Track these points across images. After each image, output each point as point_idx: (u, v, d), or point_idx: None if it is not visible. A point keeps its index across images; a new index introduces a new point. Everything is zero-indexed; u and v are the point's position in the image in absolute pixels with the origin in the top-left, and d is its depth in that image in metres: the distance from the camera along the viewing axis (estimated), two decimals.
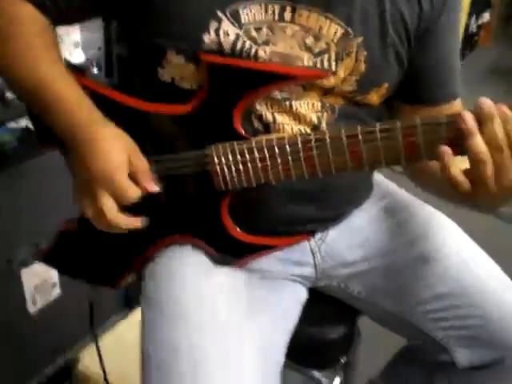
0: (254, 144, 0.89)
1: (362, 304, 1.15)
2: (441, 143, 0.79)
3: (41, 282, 1.62)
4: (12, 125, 1.45)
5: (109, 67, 1.67)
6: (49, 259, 1.12)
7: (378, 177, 1.21)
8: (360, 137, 0.83)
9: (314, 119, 0.95)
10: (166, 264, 1.01)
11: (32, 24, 0.92)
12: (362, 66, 0.94)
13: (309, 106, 0.95)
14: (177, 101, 0.93)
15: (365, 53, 0.93)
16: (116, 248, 1.05)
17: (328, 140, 0.85)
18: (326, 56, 0.92)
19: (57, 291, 1.68)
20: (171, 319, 0.93)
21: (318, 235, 1.09)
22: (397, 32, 0.95)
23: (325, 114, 0.96)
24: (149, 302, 0.98)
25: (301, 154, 0.87)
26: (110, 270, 1.09)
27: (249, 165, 0.90)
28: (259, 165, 0.89)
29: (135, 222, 0.91)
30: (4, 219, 1.42)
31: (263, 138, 0.89)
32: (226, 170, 0.92)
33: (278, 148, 0.88)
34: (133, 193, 0.88)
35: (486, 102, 0.77)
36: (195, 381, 0.87)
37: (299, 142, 0.86)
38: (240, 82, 0.88)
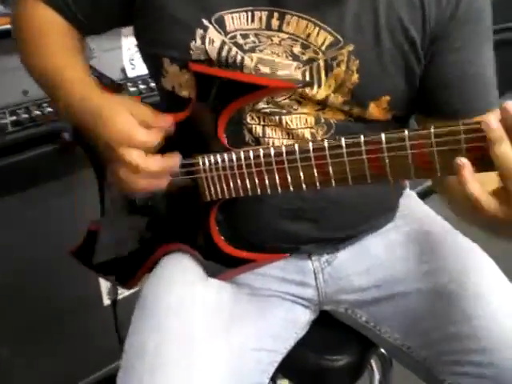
0: (235, 155, 0.89)
1: (371, 334, 1.08)
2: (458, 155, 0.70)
3: None
4: None
5: None
6: (78, 254, 1.19)
7: (409, 199, 1.14)
8: (344, 150, 0.78)
9: (307, 135, 0.93)
10: (161, 269, 1.02)
11: (54, 25, 0.99)
12: (355, 76, 0.90)
13: (301, 121, 0.93)
14: (179, 109, 0.95)
15: (357, 62, 0.89)
16: (129, 249, 1.09)
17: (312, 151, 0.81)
18: (315, 64, 0.89)
19: None
20: (147, 322, 0.94)
21: (325, 257, 1.05)
22: (395, 40, 0.89)
23: (319, 129, 0.93)
24: (137, 302, 1.00)
25: (284, 166, 0.84)
26: (122, 269, 1.13)
27: (231, 175, 0.90)
28: (240, 175, 0.89)
29: (168, 161, 0.90)
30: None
31: (244, 149, 0.88)
32: (211, 180, 0.92)
33: (258, 158, 0.87)
34: (151, 136, 0.88)
35: None
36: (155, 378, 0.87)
37: (272, 154, 0.85)
38: (221, 92, 0.88)
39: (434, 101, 0.94)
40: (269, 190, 0.87)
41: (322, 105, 0.92)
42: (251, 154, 0.87)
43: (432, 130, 0.72)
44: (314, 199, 0.95)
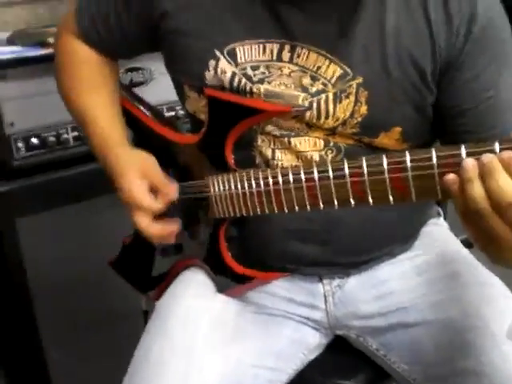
0: (240, 176, 0.92)
1: (382, 363, 1.07)
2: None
3: None
4: None
5: None
6: (115, 266, 1.26)
7: (434, 228, 1.12)
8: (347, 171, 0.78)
9: (316, 157, 0.95)
10: (177, 283, 1.08)
11: (86, 64, 1.08)
12: (364, 108, 0.91)
13: (310, 144, 0.95)
14: (199, 131, 1.01)
15: (366, 93, 0.90)
16: (154, 262, 1.16)
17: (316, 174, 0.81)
18: (324, 96, 0.91)
19: None
20: (154, 331, 1.00)
21: (336, 281, 1.06)
22: (404, 70, 0.89)
23: (329, 152, 0.95)
24: (153, 313, 1.06)
25: (289, 185, 0.85)
26: (148, 281, 1.19)
27: (235, 195, 0.93)
28: (243, 196, 0.92)
29: (168, 227, 0.98)
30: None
31: (248, 171, 0.92)
32: (218, 198, 0.97)
33: (261, 181, 0.90)
34: (154, 204, 0.96)
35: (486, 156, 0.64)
36: None
37: (279, 175, 0.87)
38: (227, 115, 0.93)
39: (450, 129, 0.94)
40: (274, 211, 0.88)
41: (331, 132, 0.94)
42: (253, 176, 0.90)
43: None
44: (321, 221, 0.97)
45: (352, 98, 0.90)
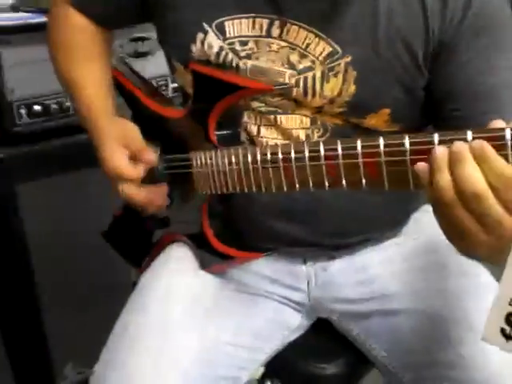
0: (221, 153, 0.91)
1: (363, 348, 1.06)
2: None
3: None
4: None
5: None
6: (107, 237, 1.26)
7: (422, 214, 1.09)
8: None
9: (302, 136, 0.93)
10: (161, 257, 1.07)
11: (80, 34, 1.07)
12: (352, 88, 0.88)
13: (296, 122, 0.93)
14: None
15: (354, 73, 0.88)
16: (142, 235, 1.16)
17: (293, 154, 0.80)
18: (311, 74, 0.89)
19: None
20: (134, 305, 1.00)
21: (320, 264, 1.04)
22: (394, 52, 0.86)
23: (315, 131, 0.93)
24: (136, 285, 1.06)
25: (267, 165, 0.83)
26: (136, 253, 1.19)
27: (216, 172, 0.92)
28: (224, 173, 0.91)
29: (152, 194, 1.00)
30: None
31: (236, 147, 0.90)
32: (201, 175, 0.96)
33: (241, 159, 0.88)
34: (134, 171, 0.97)
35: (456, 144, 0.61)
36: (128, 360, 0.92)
37: (258, 154, 0.85)
38: (211, 91, 0.91)
39: (441, 114, 0.90)
40: (253, 189, 0.87)
41: (318, 110, 0.92)
42: (234, 153, 0.88)
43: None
44: (306, 201, 0.95)
45: (340, 76, 0.88)
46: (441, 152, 0.62)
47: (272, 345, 1.05)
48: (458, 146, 0.61)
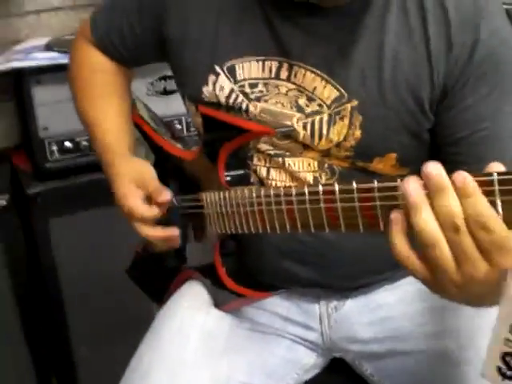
0: (232, 194, 0.92)
1: None
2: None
3: None
4: None
5: None
6: (130, 274, 1.29)
7: None
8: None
9: (310, 179, 0.93)
10: (177, 294, 1.09)
11: (99, 72, 1.10)
12: (358, 132, 0.88)
13: (304, 165, 0.93)
14: None
15: (360, 117, 0.87)
16: (160, 273, 1.17)
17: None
18: (318, 118, 0.89)
19: None
20: (148, 340, 1.02)
21: (334, 303, 1.04)
22: (400, 96, 0.86)
23: (323, 174, 0.93)
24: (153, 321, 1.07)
25: (281, 206, 0.83)
26: (156, 290, 1.20)
27: (226, 213, 0.93)
28: (232, 214, 0.92)
29: (166, 232, 0.99)
30: None
31: (242, 188, 0.91)
32: (212, 215, 0.97)
33: (247, 200, 0.89)
34: (149, 211, 0.97)
35: (434, 171, 0.60)
36: None
37: (272, 195, 0.85)
38: (219, 133, 0.93)
39: (444, 157, 0.88)
40: (259, 230, 0.86)
41: (325, 154, 0.92)
42: (240, 195, 0.89)
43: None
44: (314, 244, 0.95)
45: (346, 120, 0.88)
46: (415, 187, 0.60)
47: (284, 383, 1.04)
48: (439, 177, 0.59)
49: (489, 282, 0.60)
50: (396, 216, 0.63)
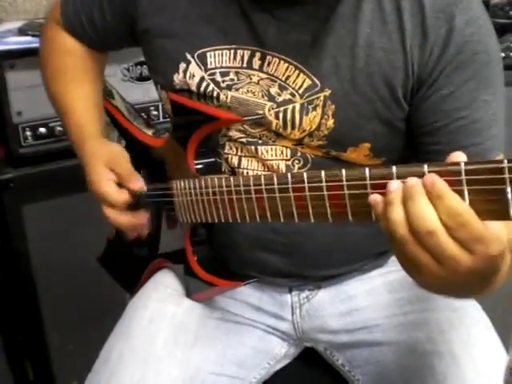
0: (202, 182, 0.90)
1: (348, 379, 1.04)
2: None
3: None
4: None
5: None
6: (102, 262, 1.27)
7: None
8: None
9: (283, 167, 0.92)
10: (148, 284, 1.08)
11: (70, 56, 1.08)
12: (330, 122, 0.87)
13: (276, 153, 0.92)
14: None
15: (333, 107, 0.86)
16: (132, 261, 1.16)
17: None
18: (290, 107, 0.88)
19: None
20: (119, 331, 1.01)
21: (305, 293, 1.03)
22: (373, 86, 0.85)
23: (295, 162, 0.92)
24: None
25: (251, 195, 0.82)
26: (128, 279, 1.19)
27: (196, 201, 0.92)
28: (202, 202, 0.91)
29: (135, 218, 0.99)
30: None
31: (212, 177, 0.90)
32: (182, 204, 0.96)
33: (220, 188, 0.88)
34: (120, 197, 0.96)
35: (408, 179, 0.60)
36: None
37: (241, 184, 0.84)
38: (188, 120, 0.92)
39: (421, 148, 0.89)
40: (229, 219, 0.86)
41: (298, 142, 0.91)
42: (210, 183, 0.88)
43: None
44: (286, 233, 0.94)
45: (319, 110, 0.87)
46: (395, 187, 0.61)
47: (256, 374, 1.04)
48: (412, 181, 0.60)
49: (474, 270, 0.59)
50: (375, 197, 0.63)
